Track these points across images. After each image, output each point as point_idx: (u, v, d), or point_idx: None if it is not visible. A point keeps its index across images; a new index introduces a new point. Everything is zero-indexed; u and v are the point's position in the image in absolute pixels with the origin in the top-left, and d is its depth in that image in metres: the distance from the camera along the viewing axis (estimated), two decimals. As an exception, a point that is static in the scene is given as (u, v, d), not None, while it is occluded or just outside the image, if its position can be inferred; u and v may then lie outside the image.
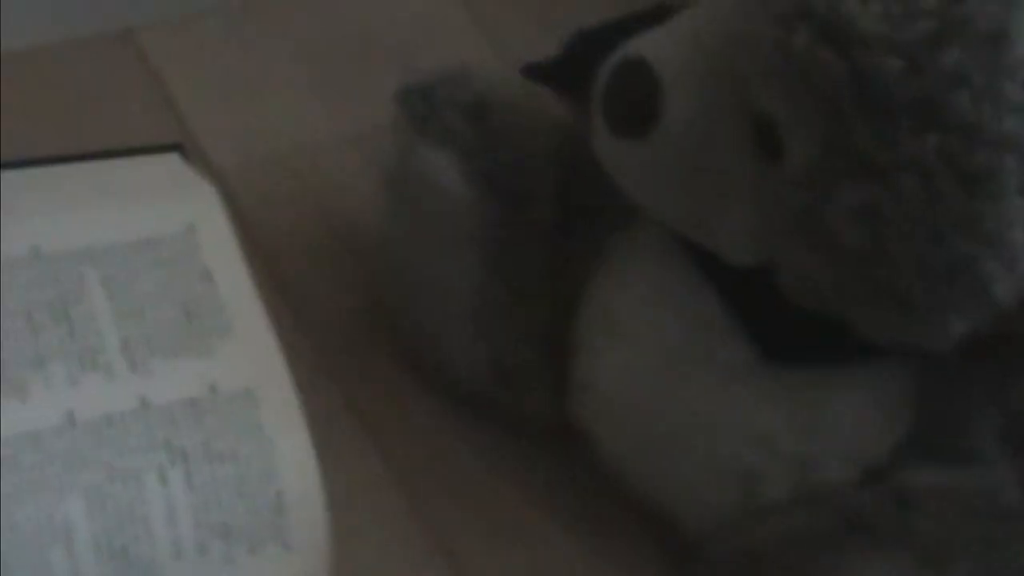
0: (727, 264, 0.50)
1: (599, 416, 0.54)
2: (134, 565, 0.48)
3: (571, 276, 0.55)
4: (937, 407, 0.52)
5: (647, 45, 0.50)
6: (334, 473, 0.50)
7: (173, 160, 0.59)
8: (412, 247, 0.56)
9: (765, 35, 0.46)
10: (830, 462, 0.51)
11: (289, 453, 0.50)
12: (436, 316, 0.56)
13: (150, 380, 0.50)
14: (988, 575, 0.48)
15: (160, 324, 0.52)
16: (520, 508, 0.56)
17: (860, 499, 0.50)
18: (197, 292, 0.53)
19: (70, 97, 0.63)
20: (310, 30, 0.69)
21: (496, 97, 0.55)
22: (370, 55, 0.68)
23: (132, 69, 0.65)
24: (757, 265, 0.49)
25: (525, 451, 0.56)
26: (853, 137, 0.45)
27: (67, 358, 0.50)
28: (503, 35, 0.69)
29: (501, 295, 0.54)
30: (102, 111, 0.63)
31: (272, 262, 0.61)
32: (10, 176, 0.56)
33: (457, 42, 0.69)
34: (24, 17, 0.63)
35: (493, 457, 0.56)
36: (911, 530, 0.48)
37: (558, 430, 0.55)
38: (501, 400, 0.55)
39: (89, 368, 0.50)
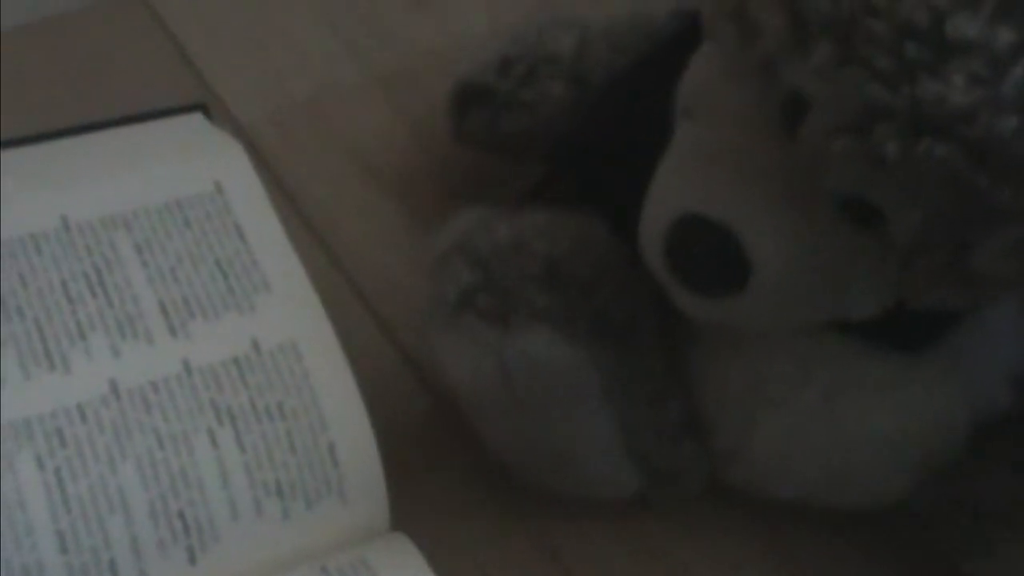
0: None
1: (758, 477, 0.52)
2: (192, 528, 0.47)
3: (682, 362, 0.52)
4: None
5: (694, 197, 0.46)
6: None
7: (196, 119, 0.58)
8: (527, 419, 0.51)
9: (846, 151, 0.41)
10: (995, 394, 0.50)
11: (337, 404, 0.50)
12: (570, 460, 0.52)
13: (191, 342, 0.50)
14: None
15: (196, 285, 0.51)
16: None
17: None
18: (230, 250, 0.52)
19: (89, 65, 0.62)
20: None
21: (553, 246, 0.50)
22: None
23: (148, 32, 0.64)
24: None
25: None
26: (980, 199, 0.41)
27: (107, 327, 0.50)
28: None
29: (639, 421, 0.51)
30: (122, 77, 0.63)
31: (307, 212, 0.60)
32: (35, 150, 0.55)
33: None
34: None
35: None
36: None
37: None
38: (654, 495, 0.53)
39: (129, 336, 0.50)
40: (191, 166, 0.54)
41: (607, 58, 0.58)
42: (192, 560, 0.47)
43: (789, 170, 0.44)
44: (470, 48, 0.65)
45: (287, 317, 0.51)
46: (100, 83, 0.62)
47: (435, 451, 0.54)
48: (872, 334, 0.49)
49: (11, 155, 0.54)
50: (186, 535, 0.47)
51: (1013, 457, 0.51)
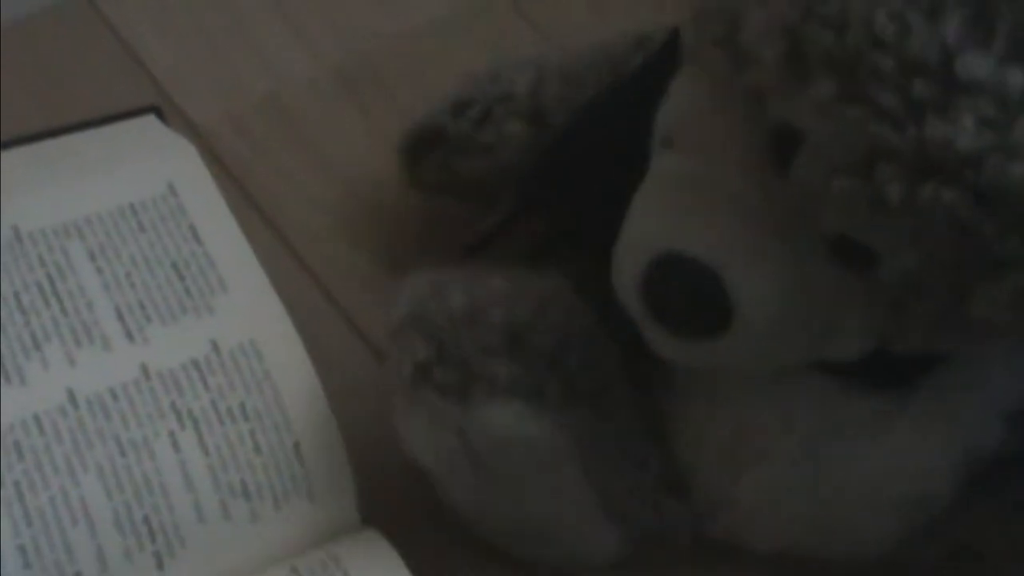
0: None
1: (743, 530, 0.50)
2: (158, 534, 0.47)
3: (660, 414, 0.50)
4: None
5: (673, 234, 0.43)
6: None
7: (150, 122, 0.58)
8: (499, 495, 0.48)
9: (845, 193, 0.39)
10: (987, 433, 0.48)
11: (301, 402, 0.49)
12: (548, 532, 0.49)
13: (149, 347, 0.49)
14: None
15: (152, 289, 0.51)
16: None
17: None
18: (186, 252, 0.52)
19: (40, 72, 0.61)
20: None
21: (513, 314, 0.47)
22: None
23: (99, 36, 0.63)
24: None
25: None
26: (984, 246, 0.39)
27: (62, 336, 0.49)
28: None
29: (617, 484, 0.48)
30: (74, 83, 0.62)
31: (266, 210, 0.60)
32: (-15, 160, 0.55)
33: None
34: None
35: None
36: None
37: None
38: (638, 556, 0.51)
39: (86, 344, 0.49)
40: (143, 169, 0.54)
41: (563, 93, 0.56)
42: (160, 566, 0.47)
43: (777, 207, 0.42)
44: (430, 38, 0.65)
45: (246, 317, 0.51)
46: (52, 90, 0.61)
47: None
48: (854, 375, 0.47)
49: (-40, 167, 0.54)
50: (152, 541, 0.47)
51: (1011, 496, 0.48)
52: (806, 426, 0.47)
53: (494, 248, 0.55)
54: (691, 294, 0.43)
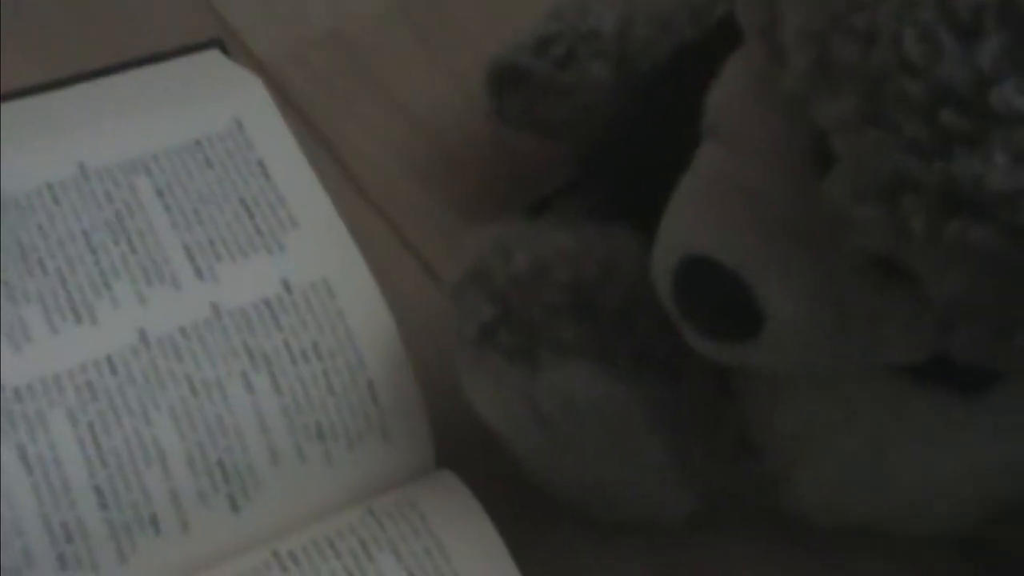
0: None
1: (809, 506, 0.48)
2: (232, 477, 0.46)
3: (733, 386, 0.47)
4: None
5: (703, 236, 0.41)
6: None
7: (214, 56, 0.57)
8: (570, 458, 0.47)
9: (864, 217, 0.36)
10: None
11: (374, 341, 0.48)
12: (622, 493, 0.48)
13: (219, 285, 0.48)
14: None
15: (221, 226, 0.50)
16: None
17: None
18: (255, 188, 0.51)
19: (100, 7, 0.60)
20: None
21: (579, 272, 0.45)
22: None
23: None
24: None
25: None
26: (1012, 282, 0.36)
27: (131, 275, 0.48)
28: None
29: (692, 447, 0.46)
30: (135, 17, 0.60)
31: (334, 146, 0.58)
32: (48, 97, 0.54)
33: None
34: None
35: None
36: None
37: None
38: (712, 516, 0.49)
39: (156, 282, 0.48)
40: (209, 104, 0.53)
41: (652, 37, 0.53)
42: (235, 508, 0.46)
43: (811, 217, 0.39)
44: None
45: (318, 255, 0.50)
46: (112, 25, 0.60)
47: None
48: (926, 376, 0.43)
49: (24, 104, 0.53)
50: (226, 483, 0.46)
51: None
52: (870, 427, 0.45)
53: (556, 211, 0.53)
54: (719, 300, 0.41)
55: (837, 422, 0.45)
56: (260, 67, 0.59)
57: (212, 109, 0.52)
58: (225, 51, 0.57)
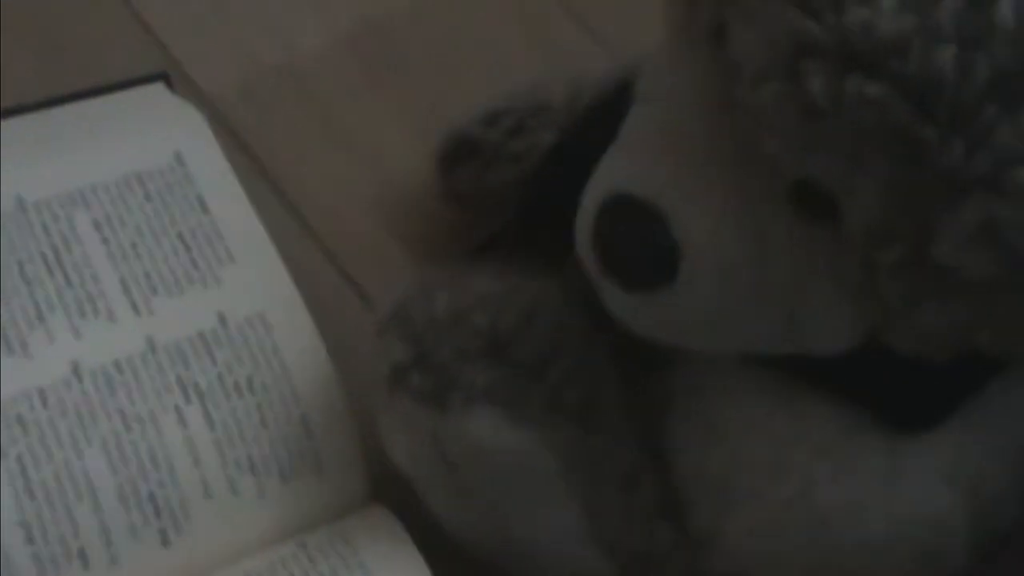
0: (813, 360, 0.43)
1: (736, 569, 0.47)
2: (163, 511, 0.46)
3: (653, 428, 0.47)
4: None
5: (624, 175, 0.41)
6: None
7: (157, 90, 0.57)
8: (477, 507, 0.46)
9: (769, 98, 0.37)
10: (999, 481, 0.45)
11: (309, 375, 0.48)
12: (530, 549, 0.47)
13: (155, 319, 0.49)
14: None
15: (159, 260, 0.50)
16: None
17: None
18: (193, 222, 0.51)
19: (45, 38, 0.60)
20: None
21: (497, 319, 0.45)
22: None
23: (107, 2, 0.62)
24: (856, 346, 0.42)
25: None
26: (931, 160, 0.36)
27: (66, 308, 0.48)
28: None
29: (606, 505, 0.45)
30: (80, 49, 0.60)
31: (277, 180, 0.59)
32: (-9, 128, 0.54)
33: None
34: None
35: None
36: None
37: None
38: None
39: (91, 315, 0.48)
40: (150, 137, 0.53)
41: None
42: (165, 543, 0.46)
43: (734, 153, 0.39)
44: (445, 9, 0.64)
45: (254, 289, 0.50)
46: (57, 56, 0.60)
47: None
48: (866, 403, 0.44)
49: (-35, 135, 0.53)
50: (158, 517, 0.46)
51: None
52: (803, 470, 0.44)
53: (501, 251, 0.53)
54: (635, 236, 0.41)
55: (769, 463, 0.45)
56: (205, 101, 0.60)
57: (153, 143, 0.53)
58: (170, 84, 0.57)
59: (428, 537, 0.47)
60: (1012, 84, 0.35)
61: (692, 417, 0.46)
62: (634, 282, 0.42)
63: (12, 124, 0.53)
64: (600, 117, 0.49)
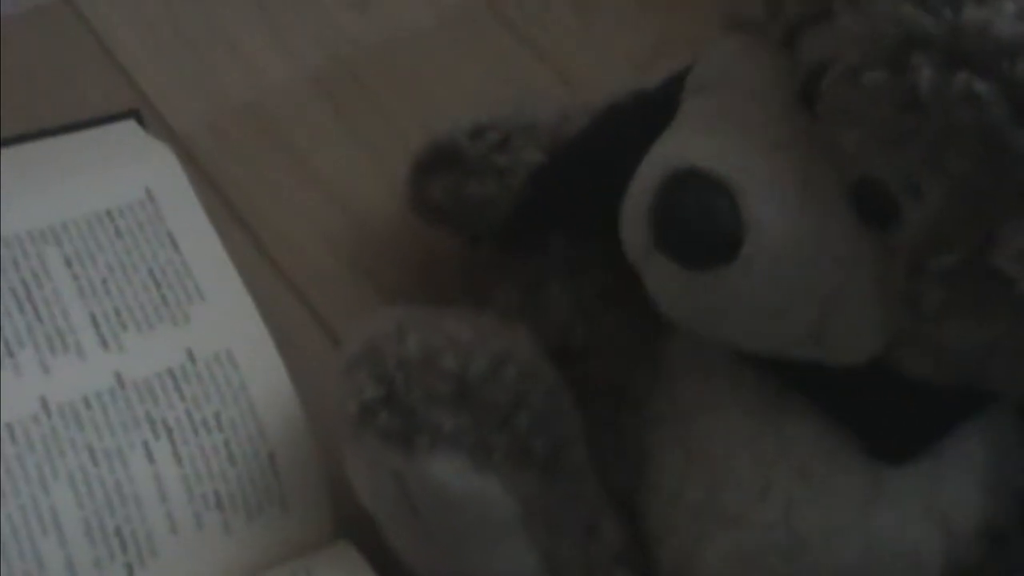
0: (811, 376, 0.43)
1: None
2: (129, 545, 0.46)
3: (623, 468, 0.47)
4: None
5: (689, 152, 0.42)
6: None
7: (129, 127, 0.57)
8: (437, 549, 0.46)
9: (869, 87, 0.38)
10: (974, 515, 0.45)
11: (276, 412, 0.49)
12: None
13: (124, 355, 0.49)
14: None
15: (128, 296, 0.50)
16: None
17: None
18: (163, 259, 0.51)
19: (17, 75, 0.61)
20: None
21: (467, 364, 0.44)
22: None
23: (79, 39, 0.63)
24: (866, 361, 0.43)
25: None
26: (1016, 167, 0.37)
27: (36, 343, 0.49)
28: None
29: (566, 554, 0.45)
30: (52, 86, 0.61)
31: (246, 218, 0.59)
32: (-39, 163, 0.54)
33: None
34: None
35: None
36: None
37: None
38: None
39: (60, 351, 0.49)
40: (121, 174, 0.53)
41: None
42: (131, 578, 0.46)
43: (803, 145, 0.40)
44: (412, 48, 0.64)
45: (223, 326, 0.50)
46: (29, 93, 0.60)
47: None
48: (851, 429, 0.44)
49: (-64, 170, 0.53)
50: (123, 552, 0.46)
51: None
52: (786, 492, 0.45)
53: (490, 269, 0.53)
54: (702, 210, 0.41)
55: (751, 485, 0.45)
56: (176, 138, 0.60)
57: (124, 180, 0.53)
58: (141, 122, 0.58)
59: (393, 574, 0.47)
60: None
61: (675, 443, 0.46)
62: (694, 257, 0.41)
63: (-16, 159, 0.54)
64: (593, 139, 0.50)
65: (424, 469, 0.43)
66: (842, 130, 0.39)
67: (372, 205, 0.60)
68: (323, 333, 0.57)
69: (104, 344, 0.49)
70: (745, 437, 0.45)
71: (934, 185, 0.38)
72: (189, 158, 0.59)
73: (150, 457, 0.47)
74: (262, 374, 0.49)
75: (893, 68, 0.37)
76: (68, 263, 0.50)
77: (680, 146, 0.42)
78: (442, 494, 0.44)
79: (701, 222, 0.41)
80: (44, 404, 0.47)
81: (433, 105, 0.63)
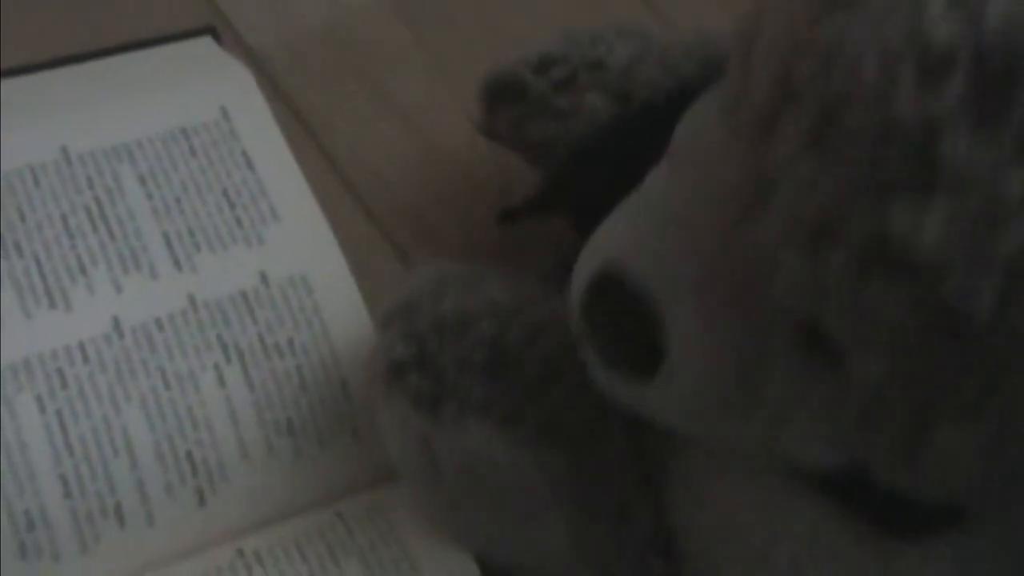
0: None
1: None
2: (200, 470, 0.46)
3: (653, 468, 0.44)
4: None
5: (625, 249, 0.38)
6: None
7: (205, 44, 0.56)
8: (462, 513, 0.45)
9: (788, 256, 0.33)
10: None
11: (350, 339, 0.48)
12: (515, 558, 0.45)
13: (197, 276, 0.48)
14: None
15: (202, 216, 0.49)
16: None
17: None
18: (238, 179, 0.50)
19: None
20: None
21: (503, 331, 0.42)
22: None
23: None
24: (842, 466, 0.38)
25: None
26: (935, 371, 0.33)
27: (109, 262, 0.48)
28: None
29: (597, 533, 0.43)
30: (130, 2, 0.60)
31: (321, 140, 0.58)
32: (35, 78, 0.53)
33: None
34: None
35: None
36: None
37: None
38: None
39: (133, 270, 0.48)
40: (196, 92, 0.52)
41: (656, 79, 0.51)
42: (201, 502, 0.46)
43: (737, 261, 0.36)
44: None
45: (297, 249, 0.49)
46: (106, 8, 0.59)
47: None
48: (859, 506, 0.40)
49: (11, 84, 0.52)
50: (194, 476, 0.46)
51: None
52: (793, 544, 0.41)
53: (528, 224, 0.51)
54: (624, 322, 0.38)
55: (759, 531, 0.42)
56: (252, 57, 0.59)
57: (199, 97, 0.52)
58: (217, 39, 0.57)
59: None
60: None
61: (690, 470, 0.43)
62: (614, 368, 0.39)
63: (59, 75, 0.53)
64: (642, 126, 0.46)
65: (452, 436, 0.42)
66: (767, 276, 0.35)
67: (450, 134, 0.59)
68: (397, 259, 0.55)
69: (177, 264, 0.48)
70: (750, 492, 0.42)
71: (876, 359, 0.34)
72: (265, 78, 0.58)
73: (221, 381, 0.47)
74: (336, 299, 0.48)
75: (810, 250, 0.33)
76: (142, 181, 0.50)
77: (613, 237, 0.39)
78: (469, 464, 0.42)
79: (620, 337, 0.39)
80: (116, 324, 0.47)
81: (512, 25, 0.61)
